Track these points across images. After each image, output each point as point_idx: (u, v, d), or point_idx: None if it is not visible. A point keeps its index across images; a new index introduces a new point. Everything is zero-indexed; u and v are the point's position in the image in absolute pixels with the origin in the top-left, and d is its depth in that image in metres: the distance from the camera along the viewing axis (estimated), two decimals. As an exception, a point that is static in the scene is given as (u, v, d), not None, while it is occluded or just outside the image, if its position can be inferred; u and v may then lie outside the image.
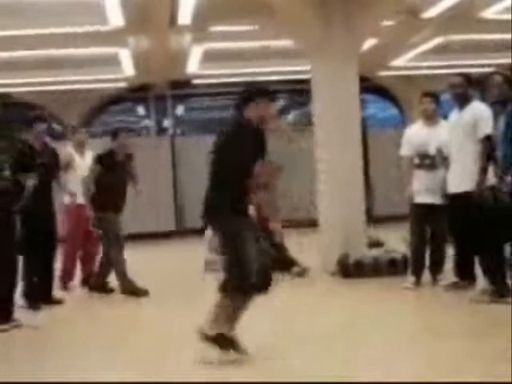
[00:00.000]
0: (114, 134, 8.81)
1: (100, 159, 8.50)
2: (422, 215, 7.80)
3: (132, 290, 8.31)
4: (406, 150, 7.92)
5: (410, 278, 7.83)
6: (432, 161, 7.66)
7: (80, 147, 9.34)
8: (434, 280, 7.86)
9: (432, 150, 7.66)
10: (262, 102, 5.31)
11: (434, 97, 7.94)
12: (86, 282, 9.07)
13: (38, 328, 6.69)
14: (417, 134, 7.88)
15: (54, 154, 8.26)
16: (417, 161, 7.79)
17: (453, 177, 7.19)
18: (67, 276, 9.13)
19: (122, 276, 8.41)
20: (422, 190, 7.72)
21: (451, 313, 6.59)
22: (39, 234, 7.68)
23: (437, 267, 7.88)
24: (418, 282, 7.80)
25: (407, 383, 4.28)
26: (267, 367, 4.94)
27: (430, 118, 7.85)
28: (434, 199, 7.64)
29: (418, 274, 7.85)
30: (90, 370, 5.13)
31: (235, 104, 5.51)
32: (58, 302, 8.03)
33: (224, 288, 5.09)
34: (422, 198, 7.76)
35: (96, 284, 8.69)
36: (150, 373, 4.96)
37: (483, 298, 6.71)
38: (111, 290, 8.65)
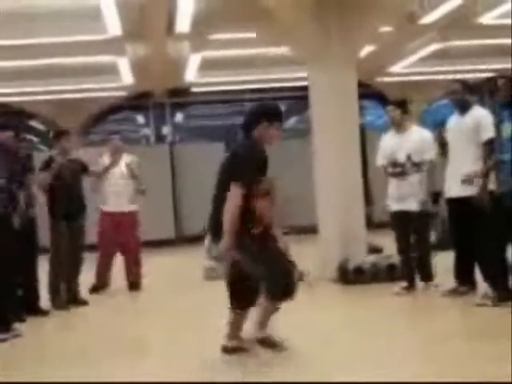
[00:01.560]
0: (55, 137, 8.83)
1: (45, 166, 8.40)
2: (399, 222, 7.85)
3: (62, 306, 8.19)
4: (380, 160, 7.98)
5: (402, 284, 7.88)
6: (402, 168, 7.73)
7: (115, 154, 9.31)
8: (426, 286, 7.85)
9: (401, 158, 7.73)
10: (274, 123, 5.41)
11: (398, 104, 7.97)
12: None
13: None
14: (387, 143, 7.96)
15: (26, 163, 7.95)
16: (389, 169, 7.85)
17: (453, 181, 7.21)
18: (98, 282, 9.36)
19: (53, 290, 8.30)
20: (395, 197, 7.80)
21: (450, 317, 6.60)
22: (17, 242, 7.27)
23: (424, 273, 7.88)
24: (409, 287, 7.81)
25: (407, 383, 4.27)
26: (264, 372, 4.95)
27: (398, 126, 7.89)
28: (408, 206, 7.70)
29: (408, 279, 7.87)
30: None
31: (244, 122, 5.45)
32: (45, 312, 7.87)
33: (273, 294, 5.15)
34: (396, 206, 7.83)
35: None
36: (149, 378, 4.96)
37: (485, 302, 6.71)
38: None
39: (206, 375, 4.90)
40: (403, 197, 7.71)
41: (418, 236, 7.87)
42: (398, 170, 7.75)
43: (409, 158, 7.66)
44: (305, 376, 4.72)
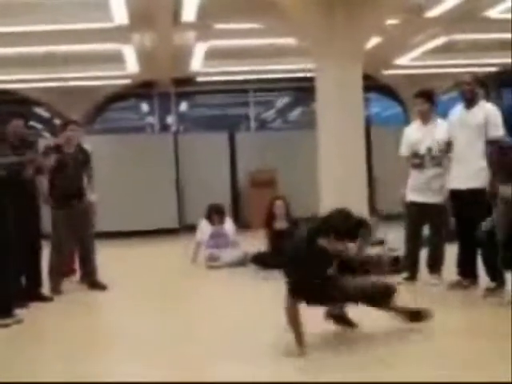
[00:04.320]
0: (62, 127, 8.81)
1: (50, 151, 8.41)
2: (413, 213, 7.86)
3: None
4: (403, 150, 7.98)
5: (403, 274, 7.91)
6: (421, 160, 7.74)
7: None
8: (428, 278, 7.85)
9: (422, 150, 7.73)
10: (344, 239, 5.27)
11: (428, 96, 7.95)
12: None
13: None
14: (412, 134, 7.95)
15: (33, 150, 8.02)
16: (411, 160, 7.86)
17: (459, 173, 7.22)
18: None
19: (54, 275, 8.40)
20: (412, 188, 7.82)
21: (450, 311, 6.60)
22: (20, 230, 7.22)
23: (432, 266, 7.88)
24: (411, 278, 7.83)
25: (408, 383, 4.26)
26: (268, 362, 4.96)
27: (425, 118, 7.88)
28: (424, 198, 7.71)
29: (410, 270, 7.89)
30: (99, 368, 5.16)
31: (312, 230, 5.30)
32: (48, 299, 7.88)
33: None
34: (412, 196, 7.84)
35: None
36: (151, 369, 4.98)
37: (488, 294, 6.74)
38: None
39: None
40: (420, 188, 7.71)
41: (434, 229, 7.87)
42: (418, 161, 7.76)
43: (429, 151, 7.66)
44: (308, 374, 4.71)
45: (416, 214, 7.83)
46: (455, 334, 5.64)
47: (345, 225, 5.22)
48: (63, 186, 8.37)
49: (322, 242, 5.14)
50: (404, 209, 8.00)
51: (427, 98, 7.87)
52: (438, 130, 7.70)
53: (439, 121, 7.89)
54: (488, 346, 5.10)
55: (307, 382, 4.54)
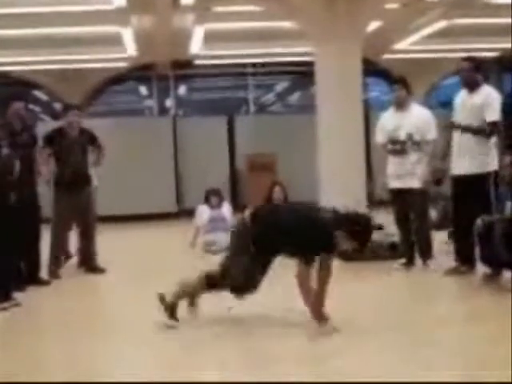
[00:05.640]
0: (63, 111, 8.96)
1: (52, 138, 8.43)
2: (398, 199, 7.89)
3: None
4: (379, 138, 7.99)
5: (401, 260, 7.96)
6: (402, 146, 7.76)
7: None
8: (424, 264, 7.87)
9: (402, 136, 7.75)
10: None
11: (404, 83, 7.95)
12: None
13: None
14: (388, 121, 7.98)
15: (32, 133, 8.00)
16: (389, 147, 7.86)
17: (460, 159, 7.20)
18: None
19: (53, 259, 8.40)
20: (395, 175, 7.84)
21: (447, 297, 6.62)
22: (20, 213, 7.18)
23: (422, 251, 7.89)
24: (407, 264, 7.88)
25: (406, 383, 4.24)
26: (261, 353, 4.95)
27: (401, 105, 7.89)
28: (408, 184, 7.72)
29: (406, 255, 7.94)
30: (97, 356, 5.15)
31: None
32: (46, 282, 7.88)
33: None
34: (395, 183, 7.86)
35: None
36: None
37: (488, 280, 6.77)
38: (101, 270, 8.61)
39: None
40: (403, 175, 7.74)
41: (417, 214, 7.88)
42: (398, 147, 7.78)
43: (410, 136, 7.69)
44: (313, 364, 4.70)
45: (402, 201, 7.85)
46: (447, 320, 5.64)
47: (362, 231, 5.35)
48: (69, 172, 8.35)
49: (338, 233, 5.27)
50: (389, 196, 8.03)
51: (404, 85, 7.90)
52: (416, 115, 7.74)
53: (416, 106, 7.93)
54: (482, 332, 5.11)
55: (309, 382, 4.53)
